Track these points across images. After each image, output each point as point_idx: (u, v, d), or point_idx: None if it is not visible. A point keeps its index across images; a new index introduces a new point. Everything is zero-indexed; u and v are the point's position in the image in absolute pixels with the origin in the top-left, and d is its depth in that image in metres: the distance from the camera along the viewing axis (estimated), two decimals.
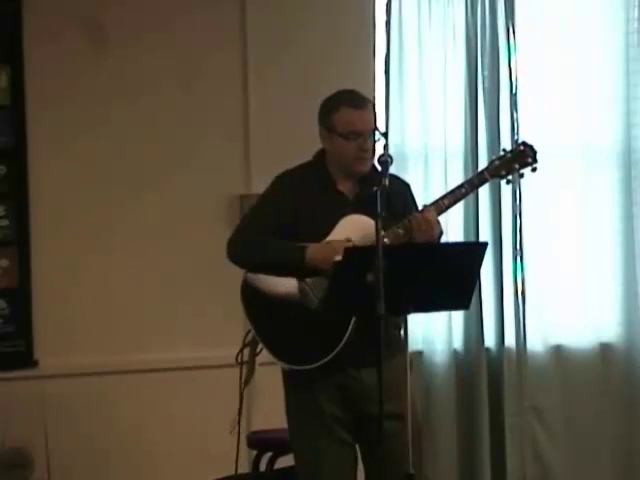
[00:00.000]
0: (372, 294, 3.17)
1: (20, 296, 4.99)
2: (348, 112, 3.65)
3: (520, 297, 5.60)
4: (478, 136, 5.54)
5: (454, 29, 5.55)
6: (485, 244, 3.58)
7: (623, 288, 5.77)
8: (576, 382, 5.69)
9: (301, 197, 3.69)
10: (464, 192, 3.66)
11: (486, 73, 5.58)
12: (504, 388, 5.56)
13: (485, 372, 5.53)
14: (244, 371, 3.79)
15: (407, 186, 3.84)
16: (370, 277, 3.19)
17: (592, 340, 5.74)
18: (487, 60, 5.58)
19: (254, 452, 4.85)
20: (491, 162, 3.73)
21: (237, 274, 5.27)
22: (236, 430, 3.85)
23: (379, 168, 3.44)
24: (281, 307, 3.61)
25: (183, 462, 5.07)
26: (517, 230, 5.60)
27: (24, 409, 4.85)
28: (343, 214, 3.63)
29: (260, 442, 4.76)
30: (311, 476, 3.69)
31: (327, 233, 3.61)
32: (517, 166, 3.70)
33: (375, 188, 3.27)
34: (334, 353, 3.51)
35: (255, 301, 3.70)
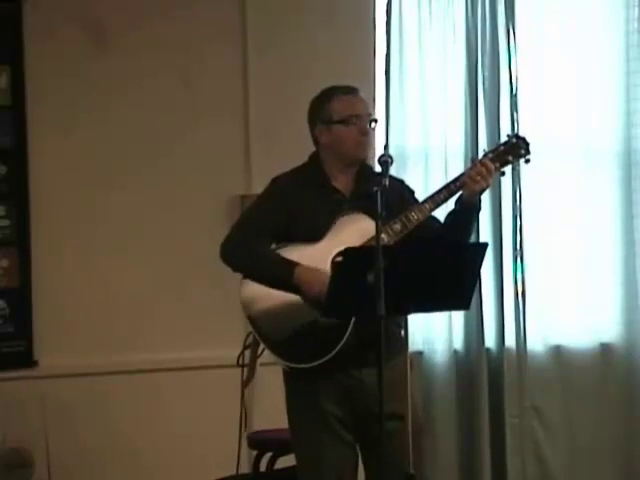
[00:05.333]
0: (372, 294, 3.17)
1: (20, 296, 4.99)
2: (343, 98, 3.70)
3: (520, 297, 5.60)
4: (478, 136, 5.54)
5: (454, 29, 5.55)
6: (485, 244, 3.59)
7: (623, 288, 5.78)
8: (576, 382, 5.70)
9: (297, 197, 3.69)
10: (459, 186, 3.67)
11: (486, 73, 5.59)
12: (504, 388, 5.56)
13: (485, 372, 5.53)
14: (245, 373, 3.79)
15: (401, 181, 3.85)
16: (370, 277, 3.19)
17: (592, 340, 5.74)
18: (487, 60, 5.58)
19: (254, 452, 4.85)
20: (484, 155, 3.73)
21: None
22: (244, 431, 3.85)
23: (378, 168, 3.45)
24: (281, 306, 3.62)
25: (183, 462, 5.07)
26: (517, 230, 5.60)
27: (24, 409, 4.85)
28: (341, 212, 3.64)
29: (260, 442, 4.76)
30: (312, 476, 3.69)
31: (326, 232, 3.61)
32: (510, 158, 3.71)
33: (375, 188, 3.27)
34: (334, 352, 3.51)
35: (255, 302, 3.69)
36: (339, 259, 3.37)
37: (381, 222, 3.32)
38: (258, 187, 5.20)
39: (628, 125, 5.77)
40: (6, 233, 5.00)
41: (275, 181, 3.82)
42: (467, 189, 3.60)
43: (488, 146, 5.51)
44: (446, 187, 3.66)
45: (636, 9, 5.77)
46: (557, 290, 5.69)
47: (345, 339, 3.50)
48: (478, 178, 3.58)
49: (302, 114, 4.50)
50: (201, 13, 5.23)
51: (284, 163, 4.67)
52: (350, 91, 3.73)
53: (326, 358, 3.53)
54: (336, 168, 3.72)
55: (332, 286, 3.33)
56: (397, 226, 3.56)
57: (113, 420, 5.01)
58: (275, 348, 3.64)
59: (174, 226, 5.18)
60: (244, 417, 3.84)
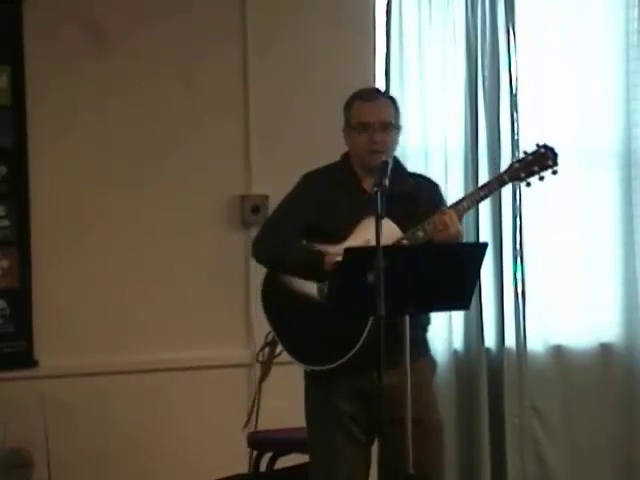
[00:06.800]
0: (372, 294, 3.18)
1: (20, 296, 4.98)
2: (359, 105, 3.74)
3: (520, 297, 5.60)
4: (478, 136, 5.54)
5: (454, 29, 5.55)
6: (485, 244, 3.59)
7: (623, 288, 5.77)
8: (576, 382, 5.70)
9: (326, 196, 3.71)
10: (483, 195, 3.67)
11: (486, 73, 5.58)
12: (504, 388, 5.56)
13: (485, 372, 5.53)
14: (260, 370, 3.79)
15: (435, 186, 3.86)
16: (370, 277, 3.19)
17: (592, 340, 5.74)
18: (487, 60, 5.58)
19: (254, 452, 4.84)
20: (510, 165, 3.70)
21: (237, 274, 5.30)
22: (249, 427, 3.84)
23: (406, 167, 3.52)
24: (300, 307, 3.63)
25: (183, 462, 5.07)
26: (517, 230, 5.60)
27: (24, 409, 4.85)
28: (367, 213, 3.63)
29: (260, 442, 4.75)
30: (325, 475, 3.70)
31: (349, 233, 3.62)
32: (537, 169, 3.67)
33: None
34: (351, 354, 3.51)
35: (275, 301, 3.71)
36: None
37: (405, 227, 3.41)
38: (258, 187, 5.24)
39: (628, 125, 5.77)
40: (6, 233, 4.99)
41: (306, 177, 3.85)
42: (435, 237, 3.57)
43: (488, 146, 5.55)
44: (470, 195, 3.67)
45: (636, 9, 5.77)
46: (557, 290, 5.69)
47: (362, 340, 3.49)
48: (441, 227, 3.55)
49: (302, 114, 4.52)
50: (201, 13, 5.23)
51: (284, 163, 4.69)
52: (369, 98, 3.75)
53: (343, 360, 3.53)
54: (362, 169, 3.74)
55: (333, 286, 3.34)
56: (419, 233, 3.57)
57: (113, 420, 5.01)
58: (293, 350, 3.65)
59: (174, 226, 5.17)
60: (256, 415, 3.83)
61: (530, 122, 5.60)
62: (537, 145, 3.72)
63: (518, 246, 5.60)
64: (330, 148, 5.08)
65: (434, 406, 3.76)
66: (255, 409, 3.83)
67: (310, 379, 3.74)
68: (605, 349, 5.76)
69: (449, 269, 3.39)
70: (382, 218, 3.25)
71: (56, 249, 5.04)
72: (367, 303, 3.19)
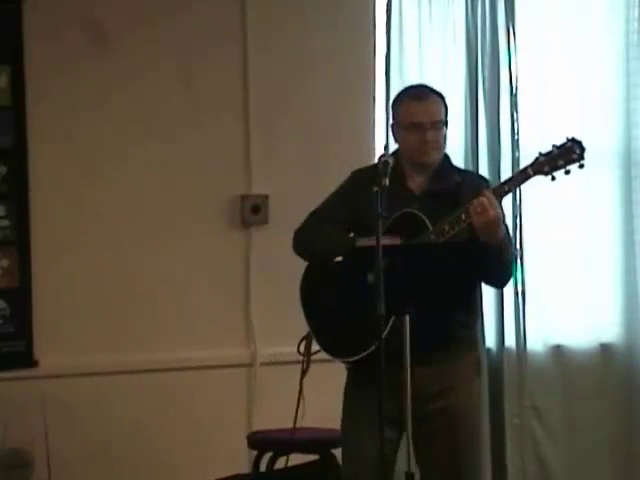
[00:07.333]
0: (372, 294, 3.18)
1: (20, 296, 4.98)
2: (408, 104, 3.72)
3: (520, 297, 5.60)
4: (478, 136, 5.54)
5: (454, 29, 5.54)
6: (485, 245, 3.58)
7: (623, 288, 5.77)
8: (576, 382, 5.70)
9: (366, 193, 3.68)
10: (507, 190, 3.64)
11: (486, 73, 5.58)
12: (504, 388, 5.56)
13: (485, 372, 5.53)
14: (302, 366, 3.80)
15: (485, 181, 3.86)
16: (370, 277, 3.20)
17: (592, 340, 5.74)
18: (487, 60, 5.58)
19: (254, 452, 4.84)
20: (536, 158, 3.64)
21: (237, 274, 5.29)
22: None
23: (454, 164, 3.57)
24: (333, 301, 3.63)
25: (183, 462, 5.07)
26: (517, 230, 5.60)
27: (24, 409, 4.85)
28: (400, 210, 3.62)
29: (260, 442, 4.76)
30: (351, 467, 3.72)
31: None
32: (562, 162, 3.61)
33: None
34: (371, 349, 3.47)
35: (311, 296, 3.72)
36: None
37: (435, 221, 3.42)
38: (258, 187, 5.24)
39: (628, 125, 5.77)
40: (6, 233, 4.99)
41: (352, 174, 3.85)
42: (474, 221, 3.52)
43: (488, 146, 5.55)
44: (494, 190, 3.63)
45: (636, 9, 5.77)
46: (557, 290, 5.69)
47: (385, 335, 3.47)
48: (479, 210, 3.50)
49: (302, 113, 4.51)
50: (201, 12, 5.23)
51: (284, 163, 4.66)
52: (417, 97, 3.72)
53: (365, 354, 3.53)
54: (410, 167, 3.73)
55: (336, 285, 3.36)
56: (445, 227, 3.56)
57: (113, 420, 5.01)
58: (325, 344, 3.67)
59: (174, 226, 5.17)
60: (295, 412, 3.82)
61: (530, 122, 5.59)
62: (566, 138, 3.64)
63: (518, 246, 5.60)
64: (330, 148, 5.11)
65: (462, 405, 3.70)
66: (298, 406, 3.81)
67: (349, 377, 3.75)
68: (605, 349, 5.76)
69: (449, 268, 3.39)
70: (382, 217, 3.26)
71: (56, 249, 5.04)
72: (367, 302, 3.20)
